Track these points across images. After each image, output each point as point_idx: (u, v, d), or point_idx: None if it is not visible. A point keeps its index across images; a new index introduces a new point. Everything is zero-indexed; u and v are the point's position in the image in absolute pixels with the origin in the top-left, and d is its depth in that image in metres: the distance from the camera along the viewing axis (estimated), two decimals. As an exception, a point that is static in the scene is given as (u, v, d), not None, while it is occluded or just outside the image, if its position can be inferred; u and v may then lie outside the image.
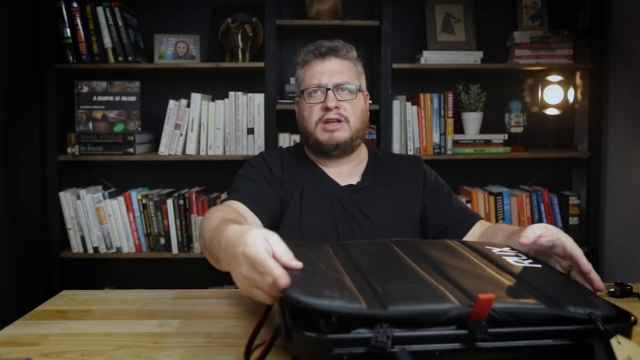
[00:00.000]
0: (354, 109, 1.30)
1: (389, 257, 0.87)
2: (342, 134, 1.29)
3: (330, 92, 1.28)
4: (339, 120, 1.28)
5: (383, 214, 1.30)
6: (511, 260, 0.88)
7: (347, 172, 1.36)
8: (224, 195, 2.29)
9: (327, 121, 1.28)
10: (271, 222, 1.26)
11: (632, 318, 0.70)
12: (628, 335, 0.68)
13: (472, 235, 1.28)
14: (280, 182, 1.31)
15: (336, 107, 1.28)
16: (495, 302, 0.65)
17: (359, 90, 1.33)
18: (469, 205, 2.24)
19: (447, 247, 0.96)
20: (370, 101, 2.29)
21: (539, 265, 0.87)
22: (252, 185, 1.27)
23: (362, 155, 1.39)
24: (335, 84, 1.29)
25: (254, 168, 1.33)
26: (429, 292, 0.71)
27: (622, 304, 0.96)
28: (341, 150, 1.32)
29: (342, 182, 1.34)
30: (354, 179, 1.35)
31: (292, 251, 0.73)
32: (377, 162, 1.39)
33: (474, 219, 1.31)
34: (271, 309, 0.83)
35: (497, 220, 2.30)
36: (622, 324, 0.69)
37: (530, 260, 0.89)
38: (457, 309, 0.66)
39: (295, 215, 1.29)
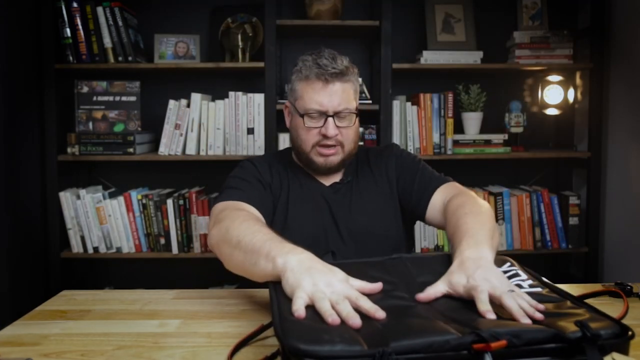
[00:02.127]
0: (349, 133, 1.32)
1: (387, 289, 0.87)
2: (337, 157, 1.32)
3: (330, 120, 1.28)
4: (334, 145, 1.31)
5: (368, 206, 1.34)
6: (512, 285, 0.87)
7: (332, 174, 1.39)
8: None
9: (324, 146, 1.30)
10: (269, 224, 1.27)
11: (630, 333, 0.70)
12: (625, 349, 0.69)
13: (431, 210, 1.29)
14: (270, 187, 1.34)
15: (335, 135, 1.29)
16: (497, 328, 0.69)
17: (356, 114, 1.33)
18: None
19: (443, 266, 0.95)
20: (370, 101, 2.32)
21: (539, 289, 0.86)
22: (250, 186, 1.29)
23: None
24: (336, 110, 1.28)
25: (245, 170, 1.35)
26: (429, 325, 0.72)
27: (622, 303, 0.96)
28: (332, 171, 1.35)
29: (327, 181, 1.38)
30: (337, 177, 1.39)
31: None
32: (358, 158, 1.43)
33: (434, 187, 1.32)
34: (265, 329, 0.86)
35: (497, 220, 2.30)
36: (618, 339, 0.69)
37: (530, 282, 0.88)
38: (457, 339, 0.67)
39: (281, 218, 1.32)
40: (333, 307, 0.76)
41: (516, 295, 0.79)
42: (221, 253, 1.07)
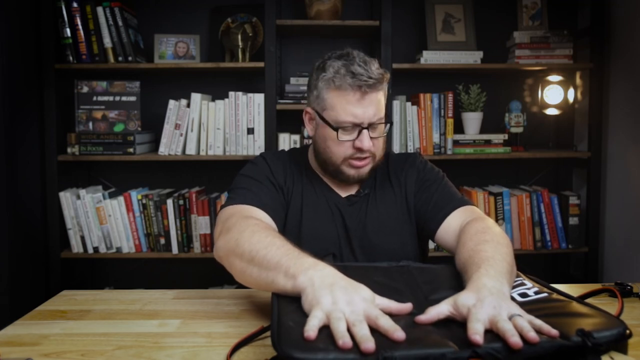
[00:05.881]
0: (380, 143, 1.25)
1: (390, 294, 0.86)
2: (367, 168, 1.25)
3: (365, 132, 1.19)
4: (367, 157, 1.23)
5: (383, 223, 1.28)
6: (516, 294, 0.87)
7: (350, 185, 1.32)
8: (223, 195, 2.29)
9: (357, 158, 1.22)
10: (281, 229, 1.23)
11: (627, 332, 0.70)
12: (623, 349, 0.69)
13: (443, 231, 1.21)
14: (282, 189, 1.28)
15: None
16: (495, 342, 0.69)
17: (390, 122, 1.26)
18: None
19: (451, 279, 0.95)
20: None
21: (545, 295, 0.86)
22: (261, 188, 1.23)
23: None
24: (370, 122, 1.19)
25: (257, 168, 1.28)
26: (427, 337, 0.72)
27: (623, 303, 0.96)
28: (361, 181, 1.29)
29: (343, 193, 1.30)
30: (354, 189, 1.31)
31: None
32: (377, 167, 1.34)
33: (452, 208, 1.23)
34: (264, 331, 0.85)
35: (497, 220, 2.30)
36: (616, 339, 0.69)
37: (536, 290, 0.88)
38: (454, 353, 0.67)
39: (294, 226, 1.26)
40: (349, 328, 0.72)
41: (518, 317, 0.73)
42: (232, 266, 1.01)
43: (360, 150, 1.20)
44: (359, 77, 1.15)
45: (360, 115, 1.18)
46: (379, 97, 1.21)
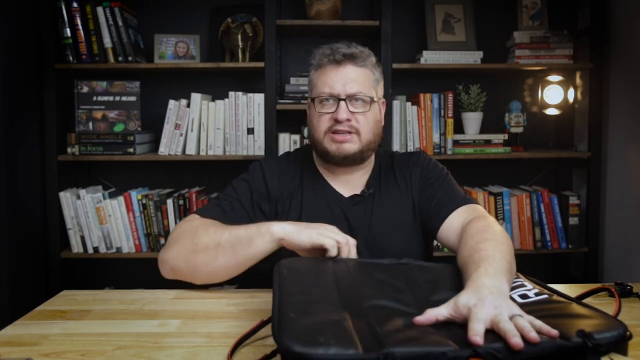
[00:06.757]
0: (366, 121, 1.24)
1: (391, 292, 0.86)
2: (352, 145, 1.24)
3: (342, 103, 1.22)
4: (349, 132, 1.23)
5: (389, 222, 1.27)
6: (516, 295, 0.87)
7: (353, 181, 1.31)
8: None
9: (336, 132, 1.23)
10: None
11: (628, 333, 0.70)
12: (623, 350, 0.69)
13: (445, 229, 1.21)
14: (276, 200, 1.28)
15: (347, 120, 1.22)
16: (495, 342, 0.69)
17: (373, 100, 1.26)
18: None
19: (452, 279, 0.95)
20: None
21: (545, 296, 0.86)
22: (237, 208, 1.24)
23: (371, 163, 1.35)
24: (348, 94, 1.22)
25: (247, 184, 1.28)
26: (428, 336, 0.72)
27: (623, 303, 0.96)
28: (350, 162, 1.27)
29: (346, 192, 1.30)
30: (359, 188, 1.31)
31: (293, 283, 0.87)
32: (382, 166, 1.35)
33: (454, 206, 1.23)
34: (265, 324, 0.86)
35: (497, 220, 2.29)
36: (616, 340, 0.69)
37: (536, 291, 0.88)
38: (454, 352, 0.67)
39: None
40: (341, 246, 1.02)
41: (519, 318, 0.73)
42: (195, 266, 1.10)
43: (337, 121, 1.22)
44: (335, 50, 1.24)
45: (336, 87, 1.23)
46: (360, 72, 1.26)
